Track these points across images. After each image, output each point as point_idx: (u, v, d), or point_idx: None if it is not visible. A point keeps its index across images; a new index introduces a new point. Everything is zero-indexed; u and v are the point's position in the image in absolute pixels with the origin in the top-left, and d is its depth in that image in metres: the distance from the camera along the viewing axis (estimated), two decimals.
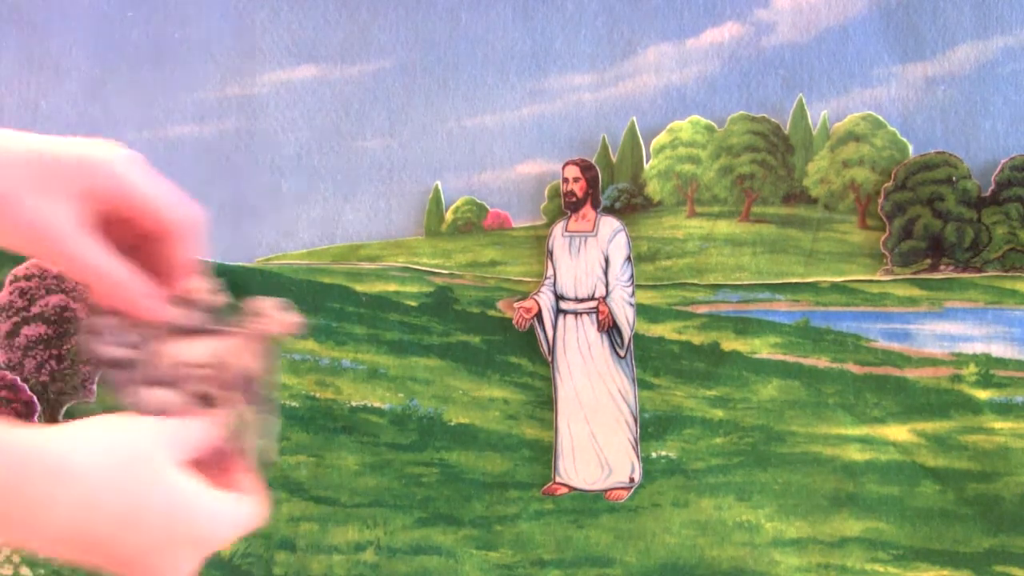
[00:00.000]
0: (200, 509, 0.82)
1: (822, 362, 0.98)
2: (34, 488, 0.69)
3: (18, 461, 0.69)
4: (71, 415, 1.00)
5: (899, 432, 0.97)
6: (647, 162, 1.00)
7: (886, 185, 0.98)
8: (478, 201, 1.02)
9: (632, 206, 1.01)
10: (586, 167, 1.00)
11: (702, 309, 0.99)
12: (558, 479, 0.99)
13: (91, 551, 0.72)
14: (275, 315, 1.01)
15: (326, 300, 0.99)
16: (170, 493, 0.79)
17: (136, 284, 0.76)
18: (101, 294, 0.75)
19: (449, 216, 1.02)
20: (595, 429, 0.98)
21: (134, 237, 0.72)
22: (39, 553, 0.74)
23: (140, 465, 0.77)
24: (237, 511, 0.86)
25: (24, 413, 0.98)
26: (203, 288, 1.03)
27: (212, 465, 0.92)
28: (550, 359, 0.99)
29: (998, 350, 0.96)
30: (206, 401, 1.00)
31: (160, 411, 0.95)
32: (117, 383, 1.02)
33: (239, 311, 1.00)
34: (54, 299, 0.99)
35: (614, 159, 1.01)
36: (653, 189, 1.01)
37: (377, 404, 1.00)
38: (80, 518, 0.72)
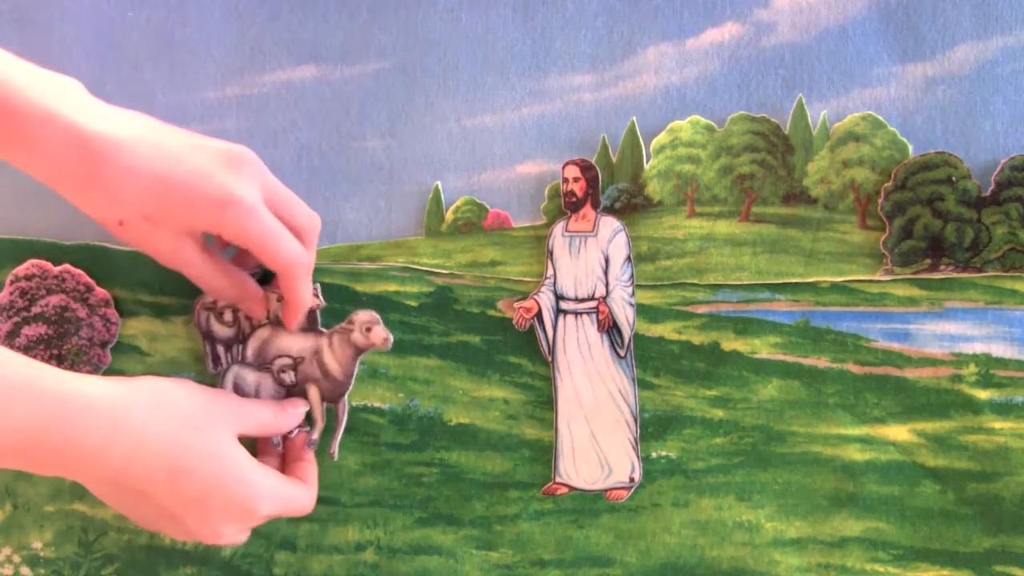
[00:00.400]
0: (244, 479, 0.85)
1: (822, 362, 0.98)
2: (92, 434, 0.72)
3: (81, 406, 0.72)
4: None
5: (899, 432, 0.97)
6: (647, 162, 1.00)
7: (886, 185, 0.98)
8: (478, 201, 1.02)
9: (632, 206, 1.01)
10: (586, 167, 1.00)
11: (702, 309, 0.99)
12: (558, 479, 0.99)
13: (138, 500, 0.75)
14: (367, 327, 1.04)
15: (326, 300, 0.99)
16: (217, 459, 0.82)
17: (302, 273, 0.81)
18: (274, 264, 0.85)
19: (449, 216, 1.02)
20: (595, 429, 0.98)
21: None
22: (93, 493, 0.76)
23: (191, 429, 0.80)
24: (283, 491, 0.89)
25: None
26: (309, 291, 1.05)
27: (273, 451, 0.95)
28: (550, 359, 0.99)
29: (998, 350, 0.96)
30: (289, 390, 1.04)
31: (250, 391, 1.01)
32: (216, 358, 1.06)
33: (341, 318, 1.02)
34: (54, 299, 1.00)
35: (614, 159, 1.01)
36: (653, 189, 1.01)
37: (377, 404, 1.00)
38: (132, 466, 0.75)
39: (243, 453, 0.81)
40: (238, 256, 0.96)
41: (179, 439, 0.74)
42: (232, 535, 0.82)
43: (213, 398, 0.84)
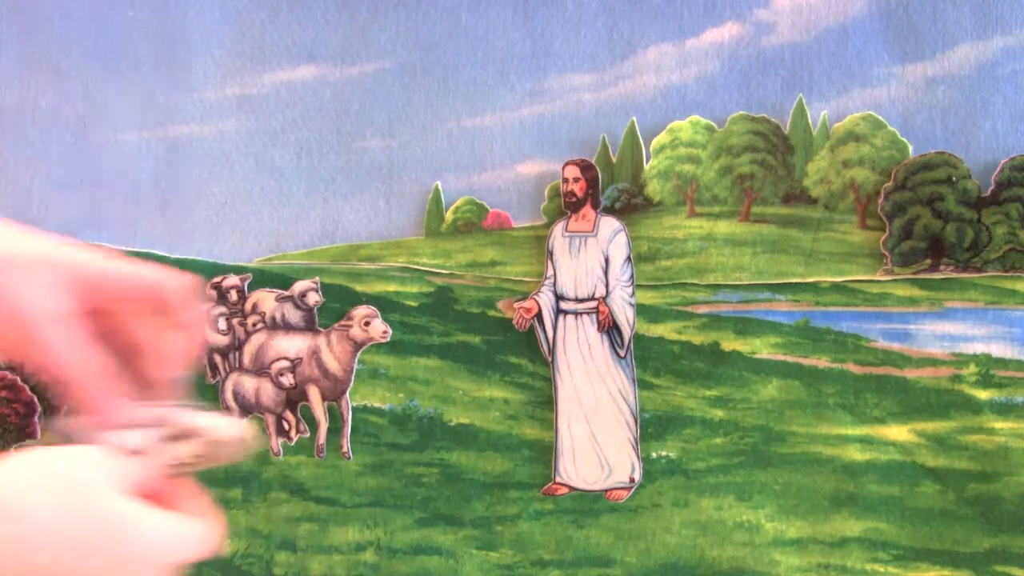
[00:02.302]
0: (145, 532, 0.80)
1: (822, 362, 0.98)
2: None
3: None
4: (71, 414, 1.00)
5: (899, 432, 0.97)
6: (647, 162, 1.00)
7: (886, 185, 0.98)
8: (478, 201, 1.02)
9: (632, 206, 1.01)
10: (586, 167, 1.00)
11: (702, 309, 0.99)
12: (558, 479, 0.99)
13: None
14: (365, 321, 1.04)
15: (326, 300, 0.99)
16: (110, 519, 0.76)
17: (100, 385, 0.73)
18: (63, 386, 0.72)
19: (449, 216, 1.02)
20: (595, 429, 0.98)
21: (129, 324, 0.70)
22: None
23: (75, 496, 0.74)
24: (186, 532, 0.83)
25: (24, 413, 0.98)
26: (308, 289, 1.05)
27: (157, 493, 0.89)
28: (550, 359, 0.99)
29: (998, 350, 0.96)
30: (289, 391, 1.04)
31: (250, 397, 1.00)
32: (214, 367, 1.05)
33: (341, 317, 1.02)
34: None
35: (614, 159, 1.01)
36: (653, 189, 1.01)
37: (377, 404, 1.00)
38: (20, 555, 0.70)
39: (133, 506, 0.75)
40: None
41: (60, 512, 0.68)
42: None
43: (87, 454, 0.77)
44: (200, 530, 0.89)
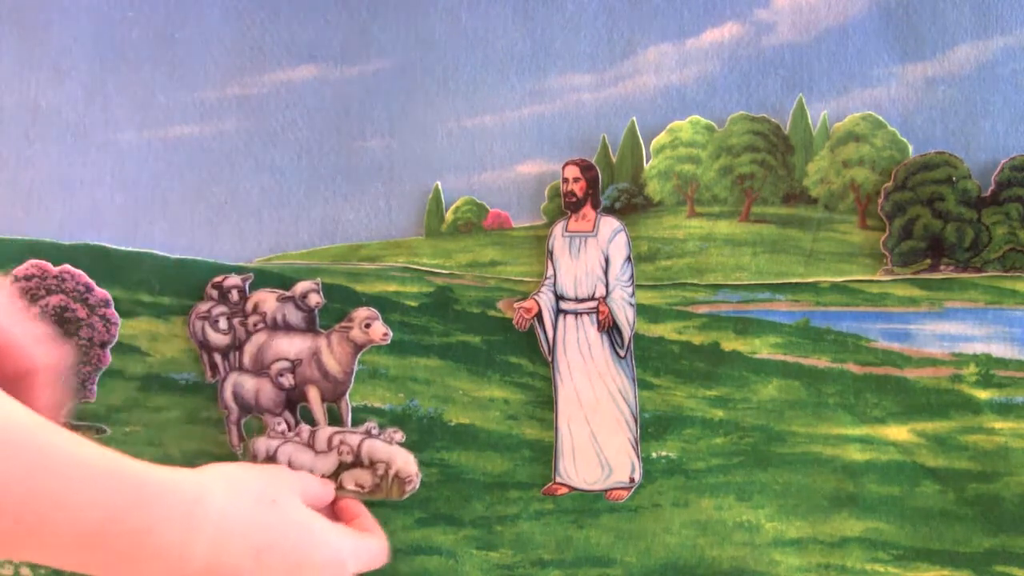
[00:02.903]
0: (326, 543, 0.85)
1: (822, 362, 0.98)
2: (172, 524, 0.69)
3: (160, 492, 0.69)
4: (72, 415, 1.00)
5: (899, 432, 0.97)
6: (647, 162, 1.00)
7: (886, 185, 0.98)
8: (478, 201, 1.02)
9: (632, 206, 1.01)
10: (586, 167, 1.00)
11: (702, 309, 0.99)
12: (558, 479, 0.99)
13: None
14: (366, 323, 1.05)
15: (326, 300, 0.99)
16: (298, 528, 0.81)
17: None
18: None
19: (449, 216, 1.02)
20: (595, 429, 0.98)
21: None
22: None
23: (267, 506, 0.79)
24: (361, 546, 0.89)
25: None
26: (309, 289, 1.06)
27: (335, 510, 0.94)
28: (550, 359, 0.99)
29: (998, 350, 0.96)
30: (289, 392, 1.04)
31: (249, 397, 1.01)
32: (213, 367, 1.06)
33: (341, 318, 1.02)
34: (54, 299, 1.00)
35: (614, 159, 1.01)
36: (653, 189, 1.01)
37: (377, 404, 1.00)
38: (218, 555, 0.72)
39: (318, 518, 0.81)
40: None
41: (258, 518, 0.73)
42: None
43: (276, 471, 0.86)
44: (375, 544, 0.93)
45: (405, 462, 0.95)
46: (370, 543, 0.88)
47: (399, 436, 0.95)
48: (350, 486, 0.95)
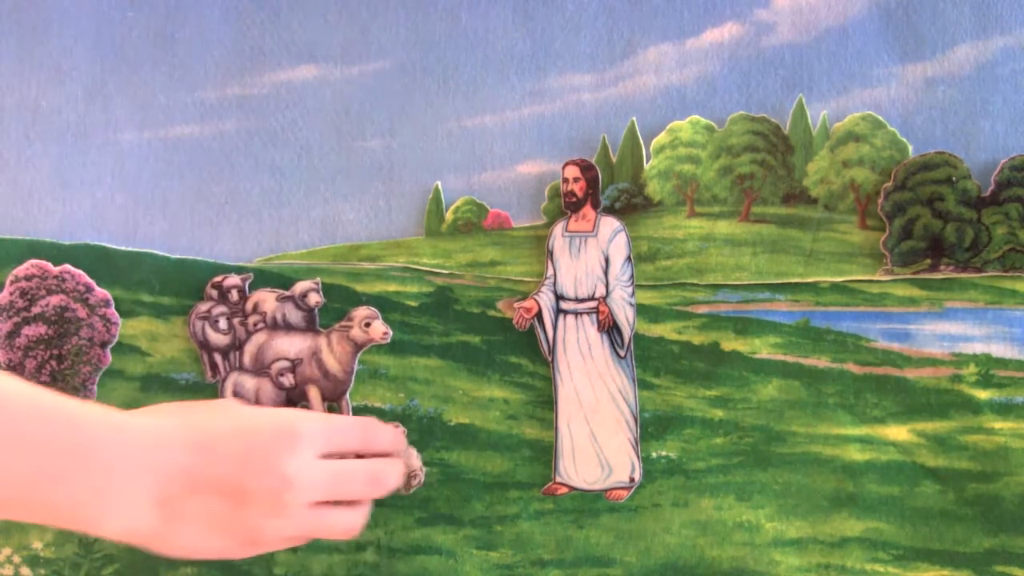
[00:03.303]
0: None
1: (822, 362, 0.98)
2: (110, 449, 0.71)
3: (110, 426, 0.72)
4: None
5: (899, 432, 0.97)
6: (647, 162, 1.00)
7: (886, 185, 0.98)
8: (478, 201, 1.02)
9: (632, 206, 1.01)
10: (586, 167, 1.00)
11: (702, 309, 0.99)
12: (558, 479, 0.99)
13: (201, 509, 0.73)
14: (366, 322, 1.05)
15: (326, 300, 0.99)
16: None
17: None
18: None
19: (449, 216, 1.02)
20: (595, 429, 0.98)
21: None
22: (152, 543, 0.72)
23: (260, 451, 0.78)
24: (343, 515, 0.86)
25: None
26: (309, 289, 1.06)
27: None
28: (550, 359, 0.99)
29: (998, 350, 0.96)
30: (289, 392, 1.04)
31: (249, 397, 1.02)
32: (214, 367, 1.06)
33: (341, 317, 1.03)
34: (54, 299, 1.00)
35: (614, 159, 1.01)
36: (653, 189, 1.01)
37: (377, 404, 1.00)
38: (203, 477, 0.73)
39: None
40: None
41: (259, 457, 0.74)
42: (280, 527, 0.77)
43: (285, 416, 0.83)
44: (352, 516, 0.89)
45: (409, 457, 0.95)
46: (349, 514, 0.82)
47: (401, 430, 0.95)
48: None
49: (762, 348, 0.99)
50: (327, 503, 0.77)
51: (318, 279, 0.98)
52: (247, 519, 0.72)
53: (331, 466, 0.77)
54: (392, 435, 0.85)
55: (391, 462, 0.83)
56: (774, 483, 0.97)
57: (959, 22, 0.98)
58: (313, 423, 0.78)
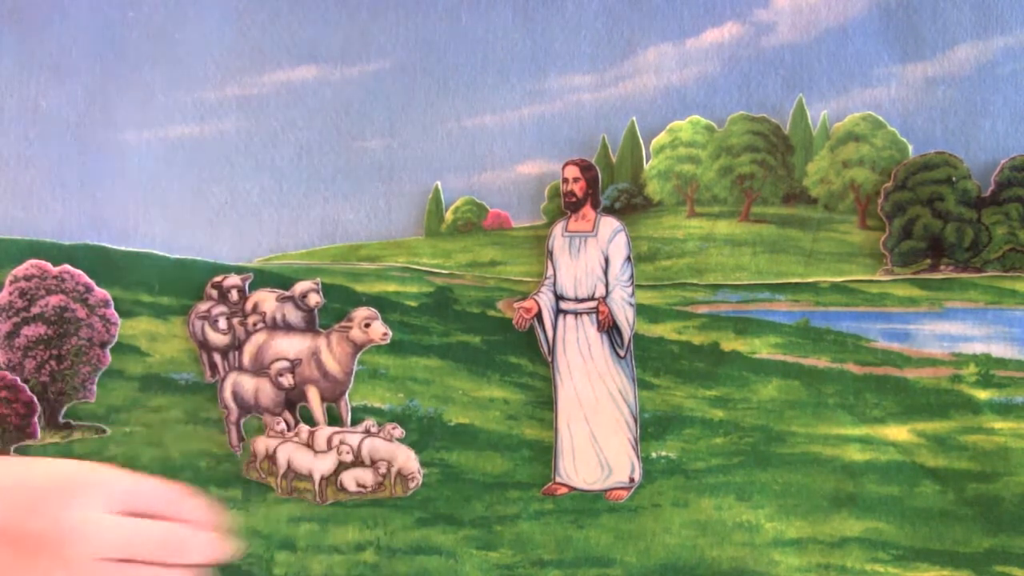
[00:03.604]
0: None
1: (822, 362, 0.98)
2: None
3: None
4: (71, 415, 1.00)
5: (899, 432, 0.97)
6: (647, 162, 1.00)
7: (886, 185, 0.98)
8: (478, 201, 1.02)
9: (632, 206, 1.01)
10: (586, 167, 1.00)
11: (702, 309, 0.99)
12: (558, 479, 0.99)
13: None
14: (365, 322, 1.05)
15: (326, 300, 0.99)
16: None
17: None
18: None
19: (449, 216, 1.02)
20: (595, 429, 0.98)
21: None
22: None
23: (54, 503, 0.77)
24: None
25: (24, 413, 0.99)
26: (309, 289, 1.06)
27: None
28: (550, 359, 0.99)
29: (998, 350, 0.96)
30: (288, 392, 1.04)
31: (248, 397, 1.02)
32: (213, 367, 1.06)
33: (341, 318, 1.03)
34: (54, 299, 1.00)
35: (614, 159, 1.01)
36: (653, 189, 1.01)
37: (377, 404, 1.00)
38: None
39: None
40: None
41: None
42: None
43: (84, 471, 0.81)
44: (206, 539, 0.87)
45: (407, 459, 0.95)
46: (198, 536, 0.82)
47: (398, 432, 0.95)
48: (352, 486, 0.95)
49: (762, 348, 0.99)
50: (135, 562, 0.76)
51: (318, 279, 0.98)
52: (35, 570, 0.72)
53: (122, 523, 0.76)
54: (202, 507, 0.83)
55: (195, 532, 0.80)
56: (774, 483, 0.97)
57: (959, 22, 0.98)
58: (108, 477, 0.78)
